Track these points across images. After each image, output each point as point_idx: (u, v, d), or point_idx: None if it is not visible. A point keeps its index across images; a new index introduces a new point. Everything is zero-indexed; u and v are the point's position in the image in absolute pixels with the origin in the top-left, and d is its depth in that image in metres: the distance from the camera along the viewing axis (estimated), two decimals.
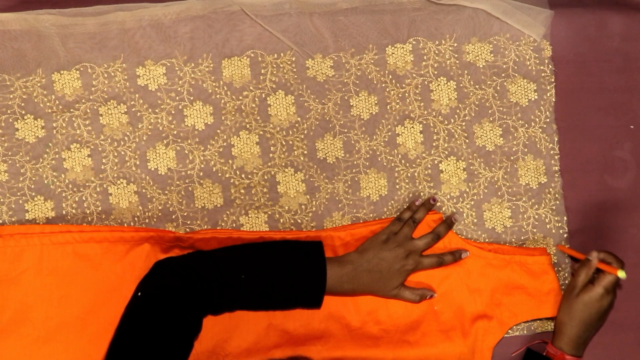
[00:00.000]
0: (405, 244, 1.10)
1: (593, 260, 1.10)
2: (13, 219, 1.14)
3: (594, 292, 1.08)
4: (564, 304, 1.11)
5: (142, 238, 1.12)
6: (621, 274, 1.07)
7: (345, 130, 1.17)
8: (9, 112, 1.14)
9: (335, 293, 1.08)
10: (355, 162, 1.17)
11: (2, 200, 1.14)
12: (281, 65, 1.16)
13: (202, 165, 1.16)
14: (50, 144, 1.14)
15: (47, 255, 1.11)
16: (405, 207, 1.17)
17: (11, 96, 1.14)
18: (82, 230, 1.11)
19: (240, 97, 1.16)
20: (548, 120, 1.18)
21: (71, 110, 1.15)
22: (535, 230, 1.18)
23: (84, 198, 1.15)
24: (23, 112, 1.14)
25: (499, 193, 1.18)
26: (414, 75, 1.18)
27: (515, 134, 1.18)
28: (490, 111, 1.18)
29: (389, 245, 1.09)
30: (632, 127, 1.20)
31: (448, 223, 1.15)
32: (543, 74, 1.18)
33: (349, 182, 1.17)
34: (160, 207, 1.15)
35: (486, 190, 1.18)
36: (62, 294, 1.10)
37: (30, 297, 1.09)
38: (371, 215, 1.17)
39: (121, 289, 1.09)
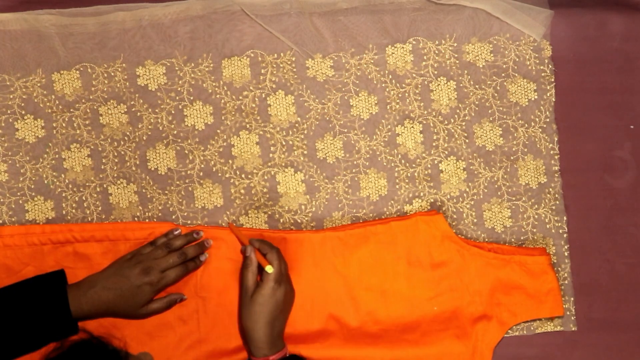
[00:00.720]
0: (147, 261, 1.06)
1: (250, 254, 1.07)
2: (13, 219, 1.14)
3: (265, 290, 1.05)
4: (243, 311, 1.06)
5: (144, 237, 1.12)
6: (269, 269, 1.05)
7: (345, 130, 1.17)
8: (9, 112, 1.14)
9: (85, 317, 1.04)
10: (355, 162, 1.17)
11: (2, 200, 1.14)
12: (281, 65, 1.16)
13: (202, 165, 1.16)
14: (50, 144, 1.14)
15: (47, 256, 1.11)
16: (399, 207, 1.17)
17: (11, 96, 1.14)
18: (84, 229, 1.12)
19: (240, 97, 1.16)
20: (548, 120, 1.18)
21: (71, 110, 1.15)
22: (535, 230, 1.18)
23: (84, 198, 1.15)
24: (23, 112, 1.14)
25: (499, 193, 1.18)
26: (414, 75, 1.18)
27: (515, 134, 1.18)
28: (490, 111, 1.18)
29: (131, 262, 1.06)
30: (632, 127, 1.20)
31: (200, 245, 1.11)
32: (543, 74, 1.18)
33: (349, 182, 1.17)
34: (160, 207, 1.15)
35: (486, 190, 1.18)
36: None
37: None
38: (371, 215, 1.17)
39: None
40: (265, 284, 1.05)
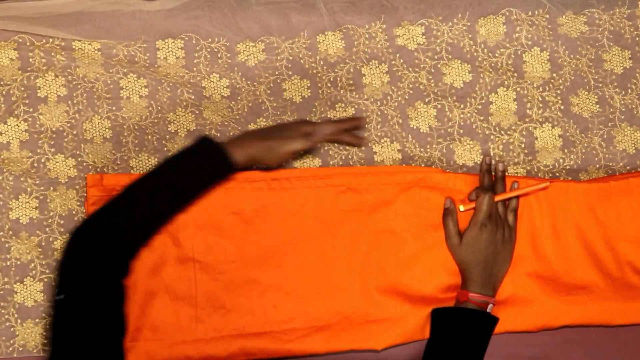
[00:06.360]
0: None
1: (449, 206, 1.13)
2: None
3: (472, 232, 1.09)
4: (455, 255, 1.12)
5: (411, 183, 1.14)
6: (461, 207, 1.12)
7: (600, 85, 1.19)
8: (276, 73, 1.17)
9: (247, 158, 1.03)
10: (610, 117, 1.19)
11: None
12: (536, 22, 1.18)
13: (462, 123, 1.18)
14: (315, 104, 1.17)
15: (321, 197, 1.14)
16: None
17: (278, 57, 1.16)
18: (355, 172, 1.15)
19: (497, 55, 1.18)
20: None
21: (335, 70, 1.17)
22: None
23: (350, 157, 1.17)
24: (290, 73, 1.17)
25: None
26: None
27: None
28: None
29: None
30: None
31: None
32: None
33: (604, 136, 1.19)
34: (422, 165, 1.17)
35: None
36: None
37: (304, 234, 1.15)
38: (627, 167, 1.19)
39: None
40: (471, 228, 1.10)
